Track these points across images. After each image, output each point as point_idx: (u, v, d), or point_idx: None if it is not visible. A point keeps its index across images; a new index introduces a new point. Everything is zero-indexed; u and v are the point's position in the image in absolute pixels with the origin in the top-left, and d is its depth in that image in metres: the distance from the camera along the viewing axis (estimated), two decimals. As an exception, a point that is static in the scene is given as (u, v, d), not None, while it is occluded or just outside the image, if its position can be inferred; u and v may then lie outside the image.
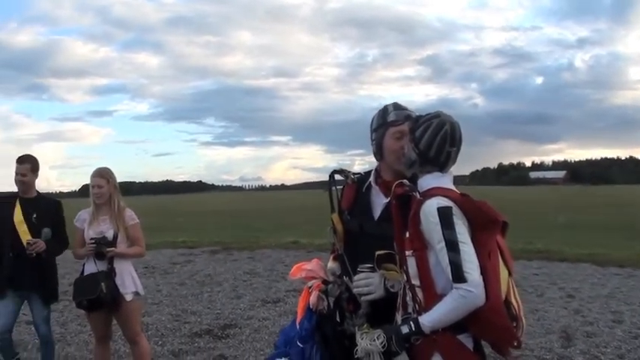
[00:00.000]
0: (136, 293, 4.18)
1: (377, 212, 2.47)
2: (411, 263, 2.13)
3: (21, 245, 4.14)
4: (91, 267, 4.07)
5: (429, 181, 2.20)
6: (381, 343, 2.08)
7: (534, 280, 8.86)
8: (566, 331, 5.87)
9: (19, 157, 4.32)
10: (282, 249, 13.01)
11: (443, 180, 2.20)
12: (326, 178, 2.65)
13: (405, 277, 2.16)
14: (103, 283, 3.93)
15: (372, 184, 2.53)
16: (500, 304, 2.02)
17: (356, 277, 2.32)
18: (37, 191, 4.43)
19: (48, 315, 4.42)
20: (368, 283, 2.28)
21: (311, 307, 2.52)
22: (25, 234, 4.16)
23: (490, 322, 2.00)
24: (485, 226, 2.07)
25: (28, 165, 4.30)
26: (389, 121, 2.46)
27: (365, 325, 2.20)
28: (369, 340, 2.12)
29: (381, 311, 2.27)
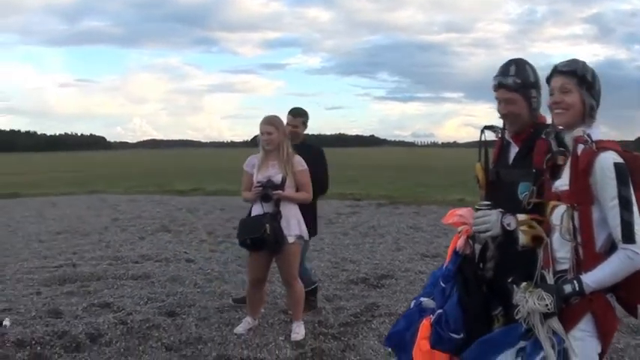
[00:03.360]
0: (300, 237, 4.33)
1: (510, 161, 2.60)
2: (574, 217, 2.03)
3: None
4: (258, 209, 4.26)
5: (598, 131, 2.10)
6: (551, 302, 1.97)
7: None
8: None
9: (295, 112, 4.90)
10: (449, 206, 12.76)
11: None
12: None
13: (570, 234, 2.04)
14: (267, 225, 4.10)
15: (507, 136, 2.66)
16: None
17: (474, 215, 2.42)
18: (302, 139, 4.92)
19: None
20: (485, 220, 2.33)
21: (457, 250, 2.58)
22: None
23: None
24: None
25: (299, 119, 4.90)
26: None
27: (526, 283, 2.11)
28: (536, 299, 2.00)
29: (513, 261, 2.32)
